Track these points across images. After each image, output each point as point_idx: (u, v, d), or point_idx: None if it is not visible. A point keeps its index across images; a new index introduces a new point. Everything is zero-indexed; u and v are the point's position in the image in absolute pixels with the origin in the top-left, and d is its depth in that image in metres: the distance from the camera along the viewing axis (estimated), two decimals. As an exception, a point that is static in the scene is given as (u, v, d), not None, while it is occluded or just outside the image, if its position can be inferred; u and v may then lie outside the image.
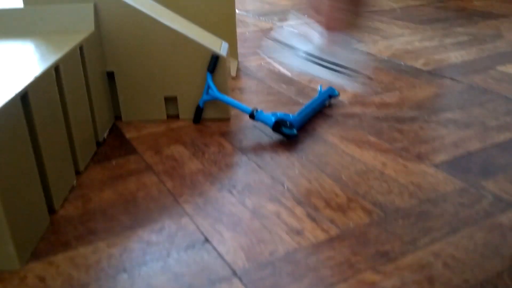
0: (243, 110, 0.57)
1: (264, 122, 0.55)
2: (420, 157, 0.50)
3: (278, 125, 0.54)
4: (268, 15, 1.19)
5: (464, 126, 0.56)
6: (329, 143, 0.54)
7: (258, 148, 0.53)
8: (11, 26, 0.54)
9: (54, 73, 0.44)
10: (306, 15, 0.55)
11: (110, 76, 0.59)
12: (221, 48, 0.60)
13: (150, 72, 0.59)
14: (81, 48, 0.51)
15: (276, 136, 0.56)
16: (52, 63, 0.43)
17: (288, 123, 0.54)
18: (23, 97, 0.38)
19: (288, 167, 0.49)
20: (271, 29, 1.05)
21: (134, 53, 0.58)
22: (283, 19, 1.14)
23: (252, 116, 0.56)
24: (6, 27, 0.54)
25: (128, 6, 0.56)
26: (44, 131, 0.41)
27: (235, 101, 0.58)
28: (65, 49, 0.47)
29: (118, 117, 0.62)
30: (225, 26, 0.77)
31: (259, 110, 0.56)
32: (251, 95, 0.68)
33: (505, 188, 0.44)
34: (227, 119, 0.61)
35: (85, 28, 0.54)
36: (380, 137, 0.54)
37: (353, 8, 0.52)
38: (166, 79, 0.59)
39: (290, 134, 0.54)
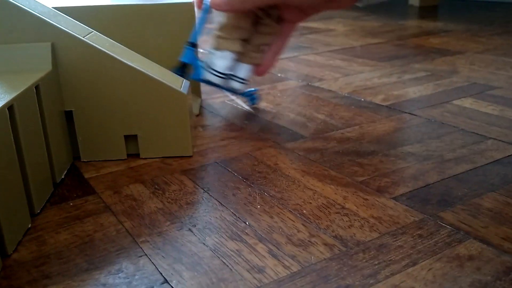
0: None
1: None
2: (380, 190, 0.50)
3: None
4: (232, 54, 1.20)
5: (422, 159, 0.57)
6: (291, 178, 0.54)
7: (220, 185, 0.53)
8: (-35, 66, 0.53)
9: (8, 112, 0.43)
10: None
11: (69, 115, 0.59)
12: (182, 86, 0.60)
13: (110, 111, 0.58)
14: (37, 87, 0.50)
15: (239, 173, 0.55)
16: (5, 103, 0.42)
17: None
18: (-27, 137, 0.37)
19: (250, 203, 0.49)
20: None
21: (93, 92, 0.57)
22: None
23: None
24: (-40, 68, 0.53)
25: (87, 44, 0.56)
26: (-4, 172, 0.40)
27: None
28: (20, 88, 0.46)
29: (77, 157, 0.61)
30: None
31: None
32: (214, 131, 0.68)
33: (462, 219, 0.44)
34: (189, 156, 0.60)
35: (42, 67, 0.54)
36: (341, 171, 0.55)
37: None
38: (126, 117, 0.59)
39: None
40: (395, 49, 1.18)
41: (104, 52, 0.56)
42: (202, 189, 0.52)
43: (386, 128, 0.67)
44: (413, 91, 0.83)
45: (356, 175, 0.54)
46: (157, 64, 0.62)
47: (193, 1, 0.71)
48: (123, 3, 0.75)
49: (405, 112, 0.73)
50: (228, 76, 0.69)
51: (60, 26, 0.55)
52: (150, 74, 0.57)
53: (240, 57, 0.68)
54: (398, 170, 0.55)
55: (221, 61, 0.67)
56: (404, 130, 0.67)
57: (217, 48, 0.67)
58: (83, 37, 0.56)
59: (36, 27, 0.55)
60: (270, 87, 0.89)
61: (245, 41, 0.67)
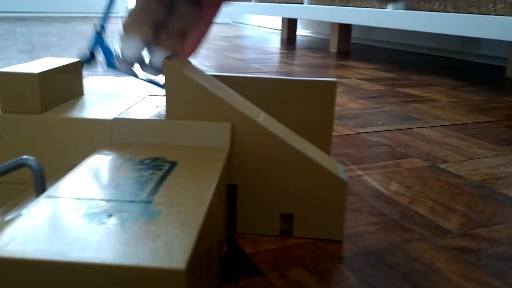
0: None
1: None
2: (553, 311, 0.49)
3: None
4: (341, 119, 1.22)
5: None
6: (455, 283, 0.54)
7: (382, 282, 0.53)
8: (153, 136, 0.58)
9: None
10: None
11: (229, 188, 0.62)
12: (340, 171, 0.62)
13: (271, 189, 0.61)
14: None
15: (396, 269, 0.56)
16: (212, 195, 0.45)
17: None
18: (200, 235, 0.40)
19: (419, 308, 0.49)
20: (348, 135, 1.08)
21: (258, 169, 0.60)
22: (358, 125, 1.17)
23: None
24: (149, 137, 0.58)
25: (262, 127, 0.59)
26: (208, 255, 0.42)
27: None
28: (216, 174, 0.49)
29: (228, 228, 0.63)
30: (322, 132, 0.80)
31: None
32: (354, 213, 0.69)
33: None
34: (339, 241, 0.62)
35: (221, 145, 0.57)
36: (503, 281, 0.54)
37: None
38: (285, 197, 0.61)
39: None
40: (509, 131, 1.17)
41: (275, 135, 0.59)
42: (366, 283, 0.53)
43: (534, 231, 0.66)
44: (547, 187, 0.82)
45: (522, 287, 0.53)
46: (316, 147, 0.65)
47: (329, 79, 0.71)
48: (271, 76, 0.78)
49: (547, 213, 0.72)
50: (140, 63, 0.65)
51: (238, 108, 0.58)
52: (315, 160, 0.59)
53: (155, 42, 0.63)
54: None
55: (130, 48, 0.62)
56: (554, 236, 0.65)
57: (125, 34, 0.62)
58: (258, 120, 0.59)
59: (217, 107, 0.58)
60: (394, 164, 0.90)
61: (159, 26, 0.62)
